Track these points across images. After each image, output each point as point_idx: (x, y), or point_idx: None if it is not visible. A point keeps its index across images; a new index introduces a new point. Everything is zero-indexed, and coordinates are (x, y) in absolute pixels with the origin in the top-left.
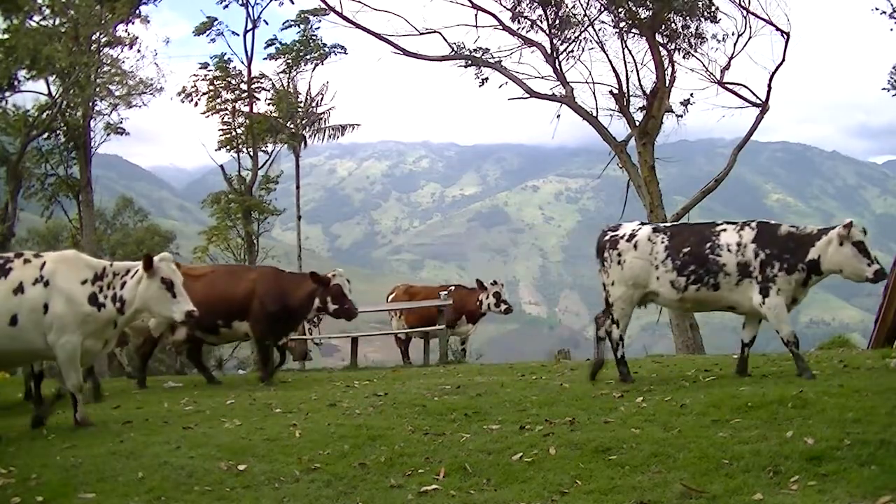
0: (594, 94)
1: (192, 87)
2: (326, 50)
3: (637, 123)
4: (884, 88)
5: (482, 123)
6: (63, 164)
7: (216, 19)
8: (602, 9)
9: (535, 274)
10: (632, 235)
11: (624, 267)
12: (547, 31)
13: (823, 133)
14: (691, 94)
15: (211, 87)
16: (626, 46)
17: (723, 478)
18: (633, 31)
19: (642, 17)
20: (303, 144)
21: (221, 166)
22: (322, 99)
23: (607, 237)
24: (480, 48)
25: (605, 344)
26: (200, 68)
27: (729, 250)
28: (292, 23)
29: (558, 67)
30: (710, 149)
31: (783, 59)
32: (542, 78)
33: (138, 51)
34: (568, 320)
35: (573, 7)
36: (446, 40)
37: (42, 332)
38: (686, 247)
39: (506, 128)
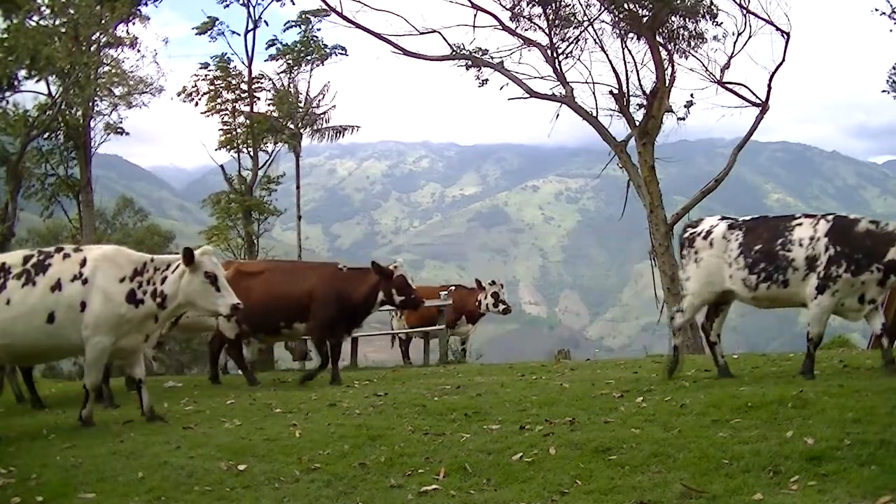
0: (594, 94)
1: (193, 87)
2: (327, 51)
3: (637, 123)
4: (883, 91)
5: (482, 123)
6: (63, 164)
7: (217, 19)
8: (602, 9)
9: (535, 274)
10: (708, 233)
11: (700, 265)
12: (547, 31)
13: (823, 133)
14: (692, 96)
15: (211, 87)
16: (626, 46)
17: (723, 478)
18: (633, 31)
19: (642, 17)
20: (300, 143)
21: (221, 166)
22: (322, 99)
23: (686, 234)
24: (480, 48)
25: (718, 349)
26: (201, 68)
27: (800, 245)
28: (293, 23)
29: (558, 67)
30: (710, 149)
31: (783, 59)
32: (542, 78)
33: (138, 51)
34: (568, 320)
35: (573, 7)
36: (446, 40)
37: (79, 330)
38: (758, 243)
39: (506, 128)
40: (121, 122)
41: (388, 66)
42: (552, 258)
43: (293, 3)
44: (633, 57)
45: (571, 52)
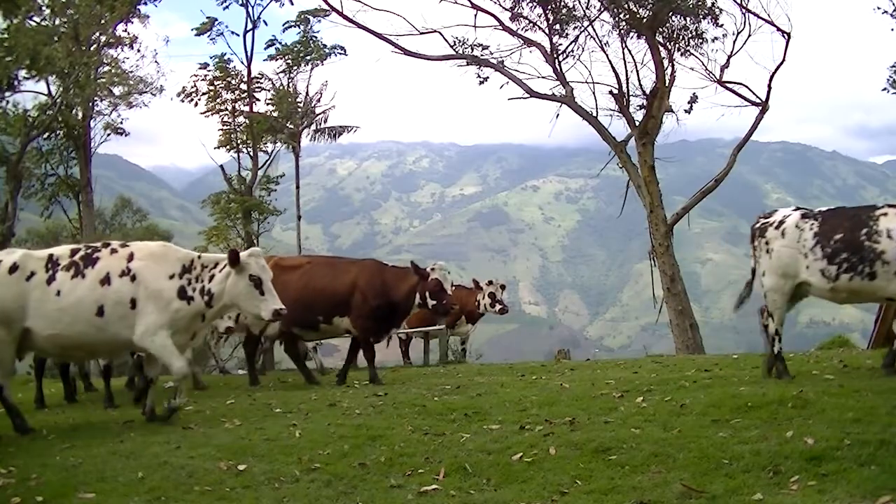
0: (594, 94)
1: (192, 87)
2: (326, 51)
3: (637, 123)
4: (883, 89)
5: (482, 123)
6: (63, 164)
7: (216, 20)
8: (602, 8)
9: (535, 274)
10: (780, 223)
11: (772, 256)
12: (546, 31)
13: (823, 133)
14: (694, 95)
15: (211, 88)
16: (626, 46)
17: (723, 478)
18: (633, 30)
19: (642, 17)
20: (299, 143)
21: (221, 166)
22: (321, 98)
23: (758, 224)
24: (480, 45)
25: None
26: (200, 68)
27: (889, 236)
28: (292, 23)
29: (558, 67)
30: (710, 149)
31: (783, 59)
32: (542, 78)
33: (138, 50)
34: (568, 320)
35: (573, 7)
36: (446, 40)
37: (129, 326)
38: (838, 233)
39: (506, 128)
40: (121, 122)
41: (388, 66)
42: (552, 258)
43: (292, 4)
44: (633, 57)
45: (571, 51)
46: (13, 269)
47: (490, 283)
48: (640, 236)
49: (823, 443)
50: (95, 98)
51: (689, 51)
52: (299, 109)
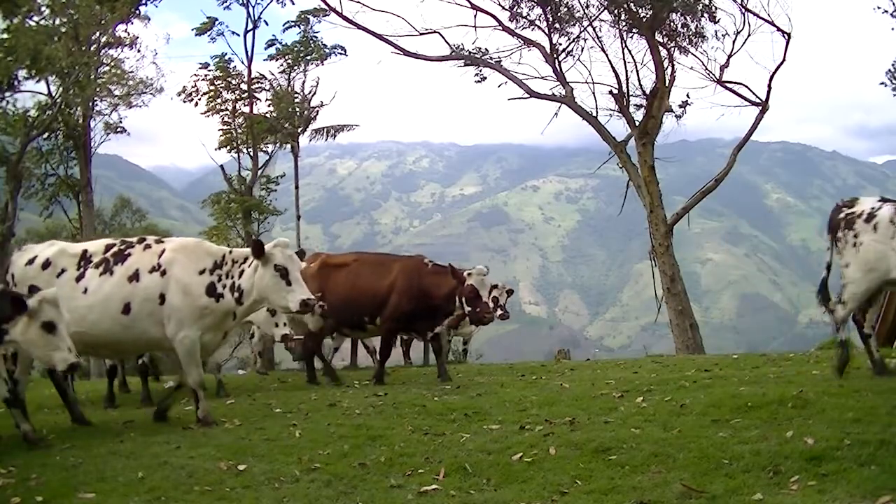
0: (594, 94)
1: (193, 87)
2: (326, 51)
3: (637, 123)
4: (881, 83)
5: (482, 123)
6: (63, 164)
7: (217, 19)
8: (602, 8)
9: (535, 274)
10: (871, 215)
11: (860, 250)
12: (546, 31)
13: (823, 133)
14: (688, 96)
15: (211, 88)
16: (626, 46)
17: (723, 478)
18: (633, 30)
19: (642, 16)
20: (297, 143)
21: (221, 166)
22: (314, 95)
23: (842, 214)
24: (480, 49)
25: (873, 342)
26: (201, 68)
27: None
28: (293, 23)
29: (558, 67)
30: (710, 149)
31: (783, 60)
32: (542, 78)
33: (138, 51)
34: (568, 320)
35: (572, 7)
36: (446, 40)
37: (157, 322)
38: None
39: (506, 128)
40: (121, 122)
41: (387, 66)
42: (552, 258)
43: (293, 3)
44: (632, 57)
45: (571, 51)
46: (46, 265)
47: (495, 286)
48: (640, 236)
49: (823, 443)
50: (95, 98)
51: (688, 50)
52: (297, 109)
